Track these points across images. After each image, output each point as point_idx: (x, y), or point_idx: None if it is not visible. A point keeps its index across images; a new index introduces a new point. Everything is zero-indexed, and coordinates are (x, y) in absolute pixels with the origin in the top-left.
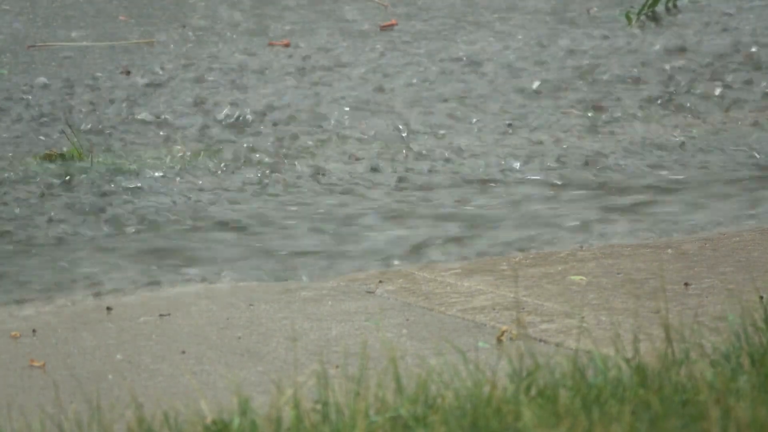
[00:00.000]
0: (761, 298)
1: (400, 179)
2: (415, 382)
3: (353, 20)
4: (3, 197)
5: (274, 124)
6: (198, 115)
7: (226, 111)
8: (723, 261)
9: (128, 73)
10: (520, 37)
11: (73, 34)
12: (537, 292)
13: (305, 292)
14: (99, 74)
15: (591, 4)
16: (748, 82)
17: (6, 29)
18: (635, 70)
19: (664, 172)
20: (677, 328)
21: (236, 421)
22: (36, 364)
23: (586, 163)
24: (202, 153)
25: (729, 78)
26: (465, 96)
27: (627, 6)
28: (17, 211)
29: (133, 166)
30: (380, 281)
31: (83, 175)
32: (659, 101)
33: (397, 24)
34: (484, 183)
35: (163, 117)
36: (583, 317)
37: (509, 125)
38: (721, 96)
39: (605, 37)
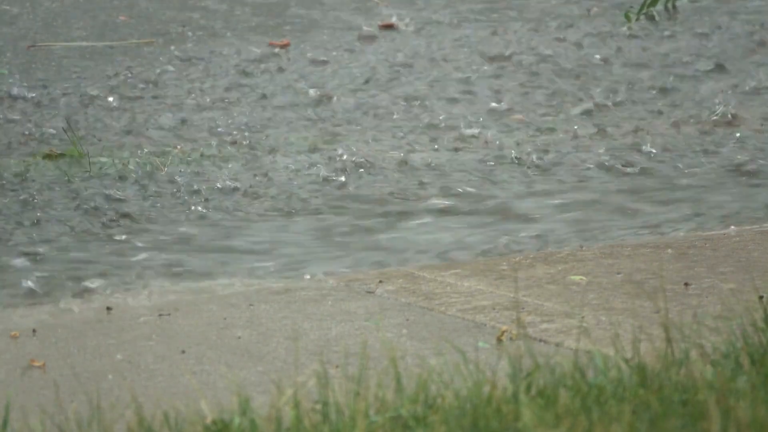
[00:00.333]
0: (761, 298)
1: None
2: (415, 382)
3: (353, 20)
4: (2, 197)
5: (276, 126)
6: (198, 115)
7: (226, 111)
8: (723, 261)
9: (128, 74)
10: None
11: (73, 34)
12: (537, 292)
13: (305, 292)
14: (99, 74)
15: (591, 4)
16: None
17: (6, 29)
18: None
19: None
20: (677, 328)
21: (236, 421)
22: (36, 364)
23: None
24: (202, 153)
25: None
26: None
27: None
28: (17, 211)
29: (134, 166)
30: (380, 281)
31: (83, 175)
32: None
33: (395, 24)
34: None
35: (163, 117)
36: (583, 317)
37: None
38: None
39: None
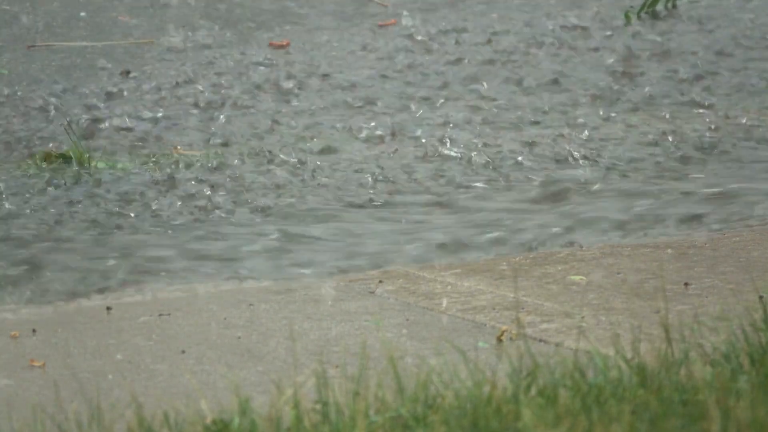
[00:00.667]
0: (761, 298)
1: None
2: (415, 382)
3: (353, 20)
4: (2, 197)
5: (278, 125)
6: (198, 115)
7: (227, 111)
8: (723, 261)
9: (128, 73)
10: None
11: (73, 34)
12: (537, 292)
13: (305, 292)
14: (99, 74)
15: (592, 3)
16: None
17: (6, 29)
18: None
19: None
20: (677, 328)
21: (236, 421)
22: (36, 364)
23: None
24: (202, 153)
25: None
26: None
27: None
28: (17, 211)
29: (134, 167)
30: (380, 281)
31: (83, 175)
32: None
33: (395, 23)
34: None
35: (163, 117)
36: (583, 317)
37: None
38: None
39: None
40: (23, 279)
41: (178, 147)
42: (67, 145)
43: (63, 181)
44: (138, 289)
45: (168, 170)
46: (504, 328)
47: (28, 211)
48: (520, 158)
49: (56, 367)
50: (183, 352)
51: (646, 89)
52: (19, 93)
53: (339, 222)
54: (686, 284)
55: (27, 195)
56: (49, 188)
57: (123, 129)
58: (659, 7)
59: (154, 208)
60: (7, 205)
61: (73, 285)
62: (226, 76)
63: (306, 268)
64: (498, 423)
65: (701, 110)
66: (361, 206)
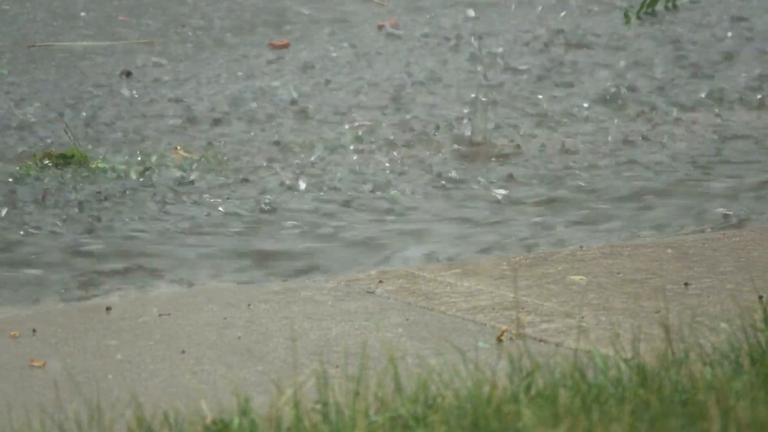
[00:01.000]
0: (761, 298)
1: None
2: (415, 382)
3: (353, 20)
4: (2, 197)
5: (278, 125)
6: (198, 116)
7: (228, 112)
8: (723, 261)
9: (128, 74)
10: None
11: (73, 34)
12: (537, 292)
13: (305, 292)
14: (99, 74)
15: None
16: None
17: (6, 29)
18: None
19: None
20: (677, 328)
21: (236, 421)
22: (36, 364)
23: None
24: (202, 154)
25: None
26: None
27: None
28: (16, 210)
29: (133, 167)
30: (380, 281)
31: (83, 175)
32: None
33: (396, 23)
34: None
35: (163, 117)
36: (582, 317)
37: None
38: None
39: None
40: (23, 279)
41: (178, 147)
42: (67, 145)
43: (63, 181)
44: (138, 289)
45: (168, 170)
46: (504, 328)
47: (27, 210)
48: None
49: (56, 367)
50: (183, 352)
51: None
52: (19, 93)
53: (341, 221)
54: (686, 284)
55: (27, 194)
56: (49, 188)
57: (123, 129)
58: (659, 6)
59: (154, 208)
60: (6, 204)
61: (73, 285)
62: (226, 76)
63: (306, 268)
64: (498, 423)
65: None
66: (362, 207)
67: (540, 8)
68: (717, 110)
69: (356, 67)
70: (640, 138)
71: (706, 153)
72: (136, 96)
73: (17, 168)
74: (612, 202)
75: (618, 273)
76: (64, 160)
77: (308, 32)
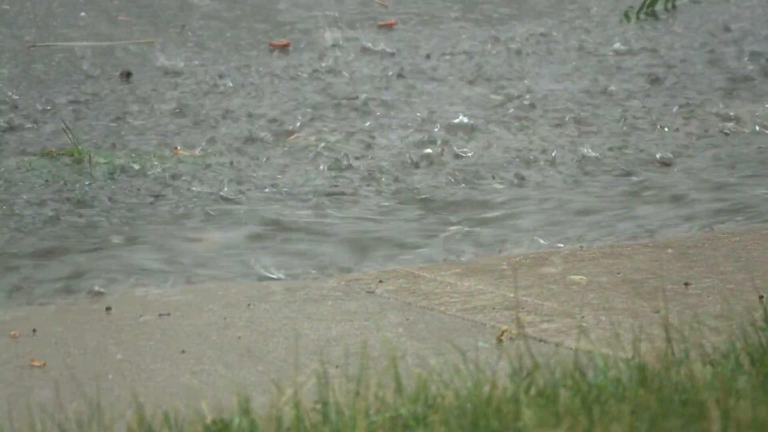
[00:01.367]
0: (761, 297)
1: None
2: (415, 382)
3: (353, 20)
4: (2, 197)
5: (280, 125)
6: (198, 115)
7: (226, 112)
8: (723, 261)
9: (128, 74)
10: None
11: (73, 34)
12: (537, 292)
13: (305, 292)
14: (99, 74)
15: (591, 3)
16: None
17: (6, 29)
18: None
19: None
20: (677, 328)
21: (236, 421)
22: (36, 364)
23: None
24: (202, 154)
25: None
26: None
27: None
28: (16, 210)
29: (133, 167)
30: (380, 281)
31: (82, 175)
32: None
33: (396, 23)
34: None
35: (163, 117)
36: (583, 317)
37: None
38: None
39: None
40: (23, 279)
41: (178, 147)
42: (67, 145)
43: (63, 181)
44: (138, 289)
45: (168, 170)
46: (504, 328)
47: (27, 210)
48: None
49: (56, 367)
50: (183, 352)
51: None
52: (19, 93)
53: (341, 221)
54: (686, 284)
55: (27, 194)
56: (49, 187)
57: (123, 129)
58: (658, 7)
59: (153, 207)
60: (6, 205)
61: (73, 285)
62: (226, 76)
63: (307, 267)
64: (498, 423)
65: None
66: (362, 207)
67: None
68: None
69: (356, 68)
70: None
71: None
72: (136, 96)
73: (17, 167)
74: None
75: (618, 273)
76: (63, 159)
77: (309, 32)
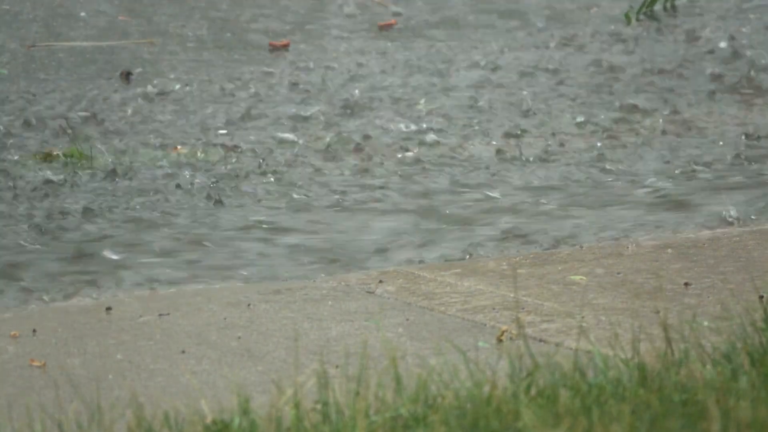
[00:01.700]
0: (761, 297)
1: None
2: (415, 382)
3: (353, 20)
4: (2, 197)
5: (280, 125)
6: (198, 115)
7: (226, 112)
8: (723, 261)
9: (128, 74)
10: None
11: (73, 34)
12: (537, 292)
13: (305, 292)
14: (99, 74)
15: (591, 3)
16: None
17: (6, 29)
18: None
19: None
20: (677, 328)
21: (236, 421)
22: (36, 364)
23: None
24: (202, 153)
25: None
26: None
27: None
28: (17, 210)
29: (133, 167)
30: (380, 281)
31: (82, 175)
32: None
33: (396, 24)
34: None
35: (163, 117)
36: (583, 317)
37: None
38: None
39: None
40: (23, 279)
41: (178, 147)
42: (67, 145)
43: (63, 181)
44: (138, 289)
45: (167, 170)
46: (504, 328)
47: (27, 210)
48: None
49: (56, 367)
50: (183, 352)
51: None
52: (18, 93)
53: (341, 221)
54: (686, 284)
55: (27, 195)
56: (49, 188)
57: (123, 129)
58: (657, 7)
59: (153, 207)
60: (6, 204)
61: (73, 285)
62: (226, 76)
63: (307, 267)
64: (498, 423)
65: None
66: (363, 207)
67: None
68: None
69: (356, 68)
70: None
71: None
72: (136, 95)
73: (17, 167)
74: None
75: (618, 273)
76: (63, 159)
77: (309, 32)
